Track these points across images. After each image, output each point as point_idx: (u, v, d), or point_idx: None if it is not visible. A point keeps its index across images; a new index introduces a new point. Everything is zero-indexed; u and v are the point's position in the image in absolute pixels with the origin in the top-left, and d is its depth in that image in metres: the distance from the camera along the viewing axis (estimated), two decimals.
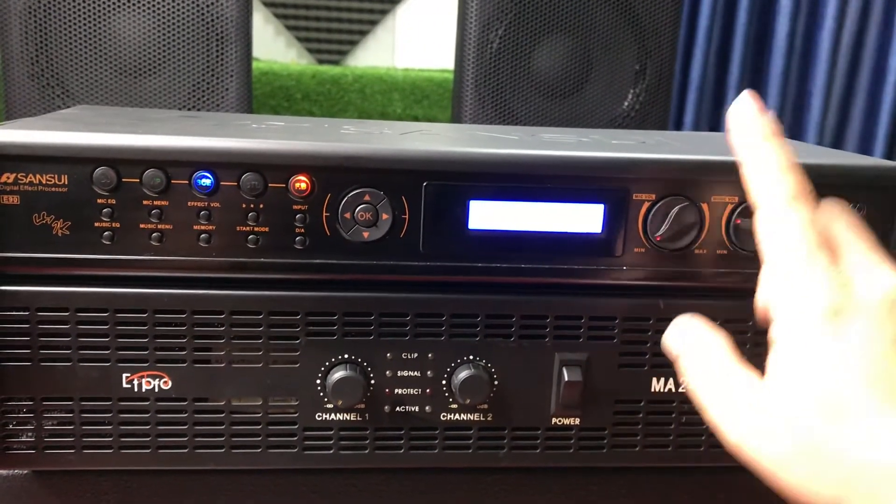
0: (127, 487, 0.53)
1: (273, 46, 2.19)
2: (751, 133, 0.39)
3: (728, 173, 0.52)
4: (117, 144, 0.48)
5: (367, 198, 0.50)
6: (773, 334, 0.37)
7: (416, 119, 1.75)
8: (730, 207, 0.53)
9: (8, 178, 0.47)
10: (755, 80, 2.05)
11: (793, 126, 2.05)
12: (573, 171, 0.52)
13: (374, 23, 2.17)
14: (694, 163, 0.52)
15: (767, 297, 0.38)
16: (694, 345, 0.40)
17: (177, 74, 1.31)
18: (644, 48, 1.47)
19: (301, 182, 0.49)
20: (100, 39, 1.29)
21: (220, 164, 0.49)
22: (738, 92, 0.46)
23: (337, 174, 0.50)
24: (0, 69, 1.28)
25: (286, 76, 1.83)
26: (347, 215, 0.50)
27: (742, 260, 0.53)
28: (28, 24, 1.26)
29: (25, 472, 0.53)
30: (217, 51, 1.31)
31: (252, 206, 0.49)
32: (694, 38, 2.02)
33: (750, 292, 0.54)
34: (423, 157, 0.50)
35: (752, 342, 0.54)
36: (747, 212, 0.52)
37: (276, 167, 0.49)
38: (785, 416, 0.35)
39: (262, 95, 1.79)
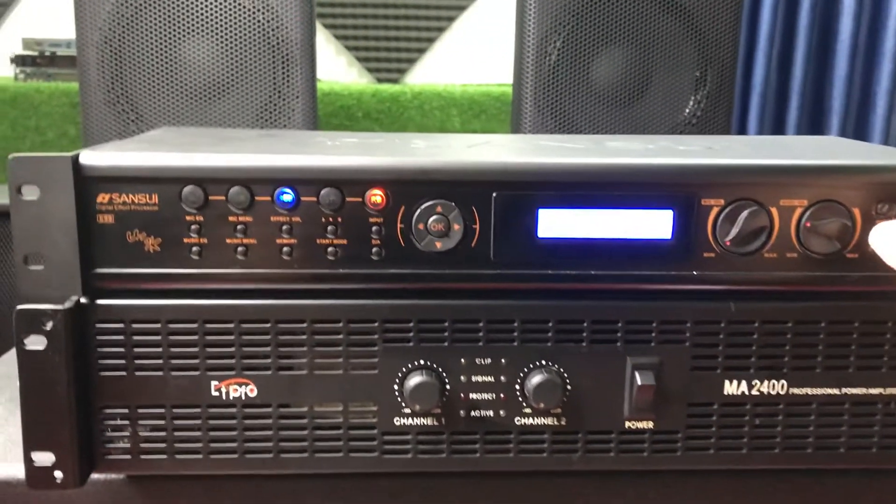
0: (216, 492, 0.56)
1: (334, 66, 2.23)
2: None
3: (796, 177, 0.53)
4: (204, 165, 0.51)
5: (439, 209, 0.52)
6: None
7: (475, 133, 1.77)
8: (799, 211, 0.53)
9: (104, 198, 0.50)
10: (819, 83, 2.02)
11: (858, 128, 2.01)
12: (641, 178, 0.53)
13: (431, 40, 2.19)
14: (762, 167, 0.53)
15: None
16: None
17: (245, 97, 1.35)
18: (704, 55, 1.46)
19: (376, 196, 0.51)
20: (170, 66, 1.33)
21: (301, 180, 0.51)
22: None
23: (410, 187, 0.52)
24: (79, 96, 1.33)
25: (347, 95, 1.86)
26: (421, 226, 0.52)
27: (811, 262, 0.53)
28: (104, 53, 1.31)
29: (122, 476, 0.55)
30: (283, 73, 1.35)
31: (331, 219, 0.52)
32: (755, 42, 1.99)
33: (819, 295, 0.54)
34: (492, 169, 0.52)
35: (824, 343, 0.54)
36: (816, 215, 0.52)
37: (353, 182, 0.51)
38: None
39: (324, 115, 1.83)
